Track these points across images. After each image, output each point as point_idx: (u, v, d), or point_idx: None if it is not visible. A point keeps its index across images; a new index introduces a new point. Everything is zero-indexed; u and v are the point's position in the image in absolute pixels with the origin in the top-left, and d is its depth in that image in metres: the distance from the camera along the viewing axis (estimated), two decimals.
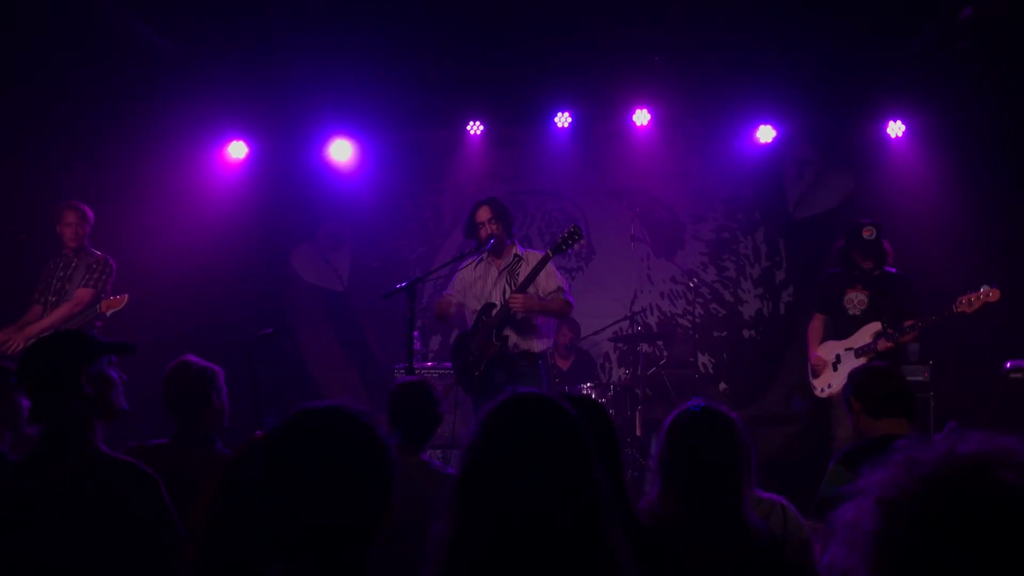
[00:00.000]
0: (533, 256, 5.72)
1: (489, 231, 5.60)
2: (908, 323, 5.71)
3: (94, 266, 6.09)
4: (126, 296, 6.06)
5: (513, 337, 5.52)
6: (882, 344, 5.71)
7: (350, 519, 1.57)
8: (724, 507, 2.43)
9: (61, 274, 6.08)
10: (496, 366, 5.47)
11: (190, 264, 7.59)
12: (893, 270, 6.03)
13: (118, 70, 7.21)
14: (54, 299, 6.02)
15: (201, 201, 8.10)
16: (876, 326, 5.88)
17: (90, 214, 6.20)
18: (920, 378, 6.26)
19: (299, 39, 7.09)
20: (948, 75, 7.33)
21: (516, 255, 5.73)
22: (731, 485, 2.46)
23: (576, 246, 5.42)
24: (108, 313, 6.04)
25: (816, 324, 6.18)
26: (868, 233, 5.96)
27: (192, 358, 3.68)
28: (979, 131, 7.58)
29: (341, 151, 8.28)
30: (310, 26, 6.88)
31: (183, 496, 2.73)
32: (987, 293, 5.49)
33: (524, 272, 5.59)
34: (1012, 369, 4.99)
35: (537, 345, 5.62)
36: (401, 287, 5.24)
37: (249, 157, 8.28)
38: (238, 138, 8.19)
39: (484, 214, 5.66)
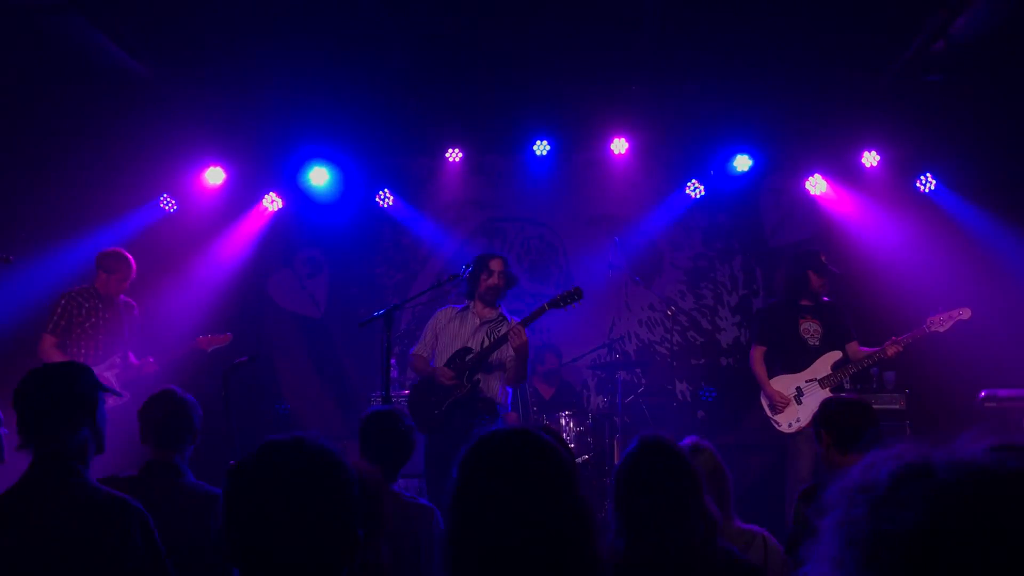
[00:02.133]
0: (514, 323, 5.70)
1: (495, 283, 5.61)
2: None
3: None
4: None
5: (482, 382, 5.51)
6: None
7: (313, 553, 1.54)
8: (682, 540, 2.38)
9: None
10: (460, 404, 5.44)
11: (166, 290, 7.52)
12: (828, 299, 6.08)
13: (93, 94, 7.17)
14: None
15: (177, 227, 8.04)
16: (836, 355, 5.89)
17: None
18: (896, 406, 6.28)
19: (277, 65, 7.08)
20: (921, 106, 7.44)
21: (501, 315, 5.71)
22: (685, 517, 2.41)
23: (574, 306, 5.43)
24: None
25: (760, 356, 6.13)
26: (820, 260, 6.02)
27: (176, 389, 3.64)
28: (953, 163, 7.69)
29: (319, 177, 8.26)
30: (289, 52, 6.88)
31: (159, 528, 2.69)
32: (959, 312, 5.53)
33: (504, 329, 5.54)
34: (986, 398, 5.03)
35: (500, 395, 5.61)
36: (379, 315, 5.21)
37: (226, 183, 8.24)
38: (215, 164, 8.16)
39: (498, 265, 5.68)
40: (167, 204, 8.08)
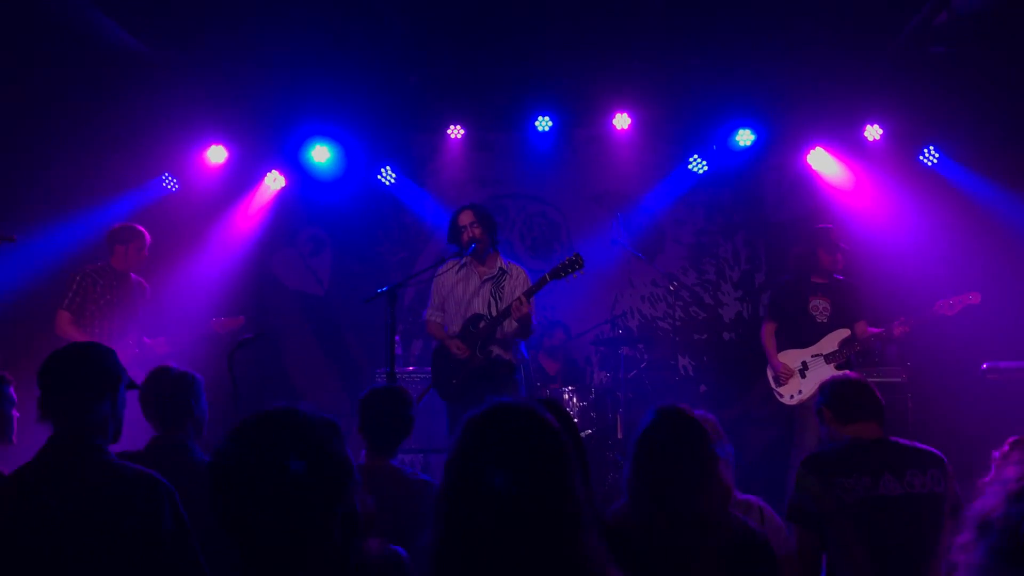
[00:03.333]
0: (517, 270, 5.71)
1: (471, 235, 5.58)
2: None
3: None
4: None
5: (496, 349, 5.53)
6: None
7: (294, 525, 1.56)
8: (700, 507, 2.44)
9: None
10: (475, 375, 5.47)
11: (169, 269, 7.54)
12: (841, 277, 6.09)
13: (94, 73, 7.16)
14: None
15: (180, 205, 8.05)
16: (844, 332, 5.93)
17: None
18: (898, 379, 6.31)
19: (279, 42, 7.06)
20: (924, 79, 7.40)
21: (501, 268, 5.70)
22: (703, 485, 2.47)
23: (575, 275, 5.38)
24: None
25: (771, 331, 6.19)
26: (835, 235, 6.04)
27: (172, 364, 3.66)
28: (957, 136, 7.66)
29: (321, 155, 8.25)
30: (290, 29, 6.86)
31: None
32: (969, 296, 5.56)
33: (509, 287, 5.58)
34: (988, 370, 5.05)
35: (516, 356, 5.63)
36: (382, 292, 5.23)
37: (229, 161, 8.24)
38: (217, 142, 8.15)
39: (467, 218, 5.65)
40: (169, 183, 8.09)
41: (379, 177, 8.44)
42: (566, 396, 7.05)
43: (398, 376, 6.24)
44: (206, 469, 1.62)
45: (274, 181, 8.37)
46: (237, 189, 8.32)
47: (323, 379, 8.54)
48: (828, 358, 5.91)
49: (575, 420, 6.73)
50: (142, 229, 6.20)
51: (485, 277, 5.67)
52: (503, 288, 5.61)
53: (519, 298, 5.33)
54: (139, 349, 6.06)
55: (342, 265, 8.76)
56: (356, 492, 1.67)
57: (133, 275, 6.21)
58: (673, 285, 7.27)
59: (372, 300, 5.34)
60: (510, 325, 5.49)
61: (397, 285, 5.27)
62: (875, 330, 5.92)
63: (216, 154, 8.17)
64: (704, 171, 8.37)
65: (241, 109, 7.97)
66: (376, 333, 7.81)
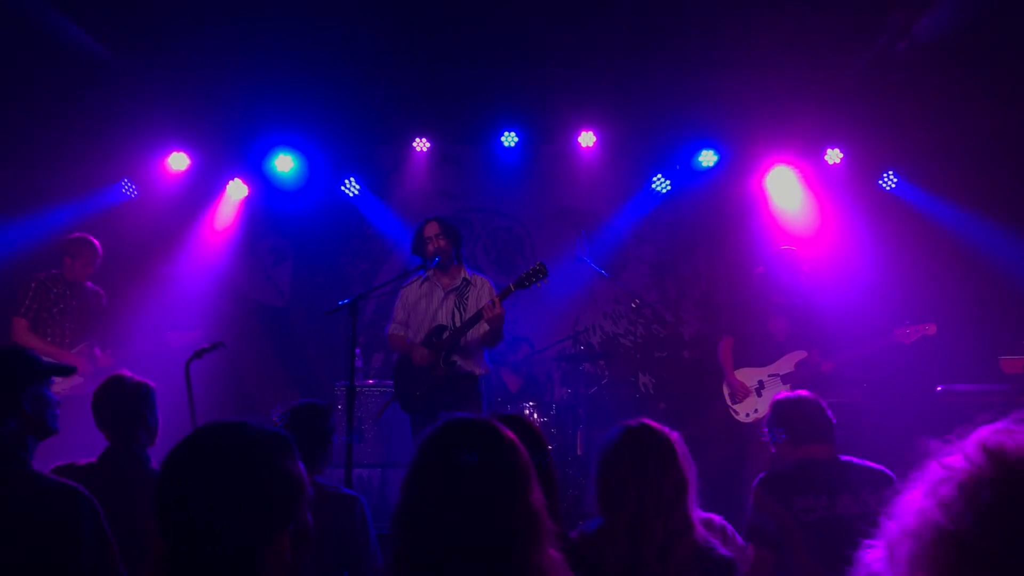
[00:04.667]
0: (482, 281, 5.70)
1: (436, 247, 5.57)
2: (847, 351, 5.85)
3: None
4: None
5: (459, 360, 5.50)
6: (827, 366, 5.79)
7: (241, 541, 1.53)
8: (673, 526, 2.44)
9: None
10: (439, 386, 5.44)
11: (128, 277, 7.42)
12: (801, 300, 6.17)
13: (54, 76, 7.05)
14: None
15: (139, 212, 7.94)
16: (801, 354, 5.99)
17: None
18: (855, 400, 6.39)
19: (243, 50, 7.00)
20: (884, 105, 7.54)
21: (465, 278, 5.69)
22: (672, 493, 2.47)
23: (540, 284, 5.38)
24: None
25: (728, 347, 6.24)
26: (795, 258, 6.12)
27: (127, 373, 3.60)
28: (916, 161, 7.81)
29: (284, 164, 8.19)
30: (254, 37, 6.81)
31: (115, 516, 2.66)
32: (926, 327, 5.66)
33: (474, 298, 5.57)
34: (942, 393, 5.13)
35: (479, 368, 5.61)
36: (343, 304, 5.19)
37: (191, 169, 8.14)
38: (179, 149, 8.05)
39: (432, 229, 5.63)
40: (128, 189, 7.97)
41: (343, 188, 8.40)
42: (527, 411, 7.04)
43: (358, 389, 6.19)
44: (158, 477, 1.59)
45: (237, 190, 8.29)
46: (199, 197, 8.22)
47: (282, 391, 8.43)
48: (785, 378, 5.97)
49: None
50: (93, 241, 6.11)
51: (449, 288, 5.65)
52: (467, 299, 5.59)
53: (493, 300, 5.31)
54: (89, 359, 5.97)
55: (304, 276, 8.69)
56: (307, 508, 1.65)
57: (89, 284, 6.12)
58: (635, 303, 7.31)
59: (334, 312, 5.29)
60: (474, 335, 5.48)
61: (359, 297, 5.23)
62: (820, 358, 5.96)
63: (178, 161, 8.07)
64: (668, 190, 8.45)
65: (204, 116, 7.89)
66: (337, 345, 7.75)
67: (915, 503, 1.12)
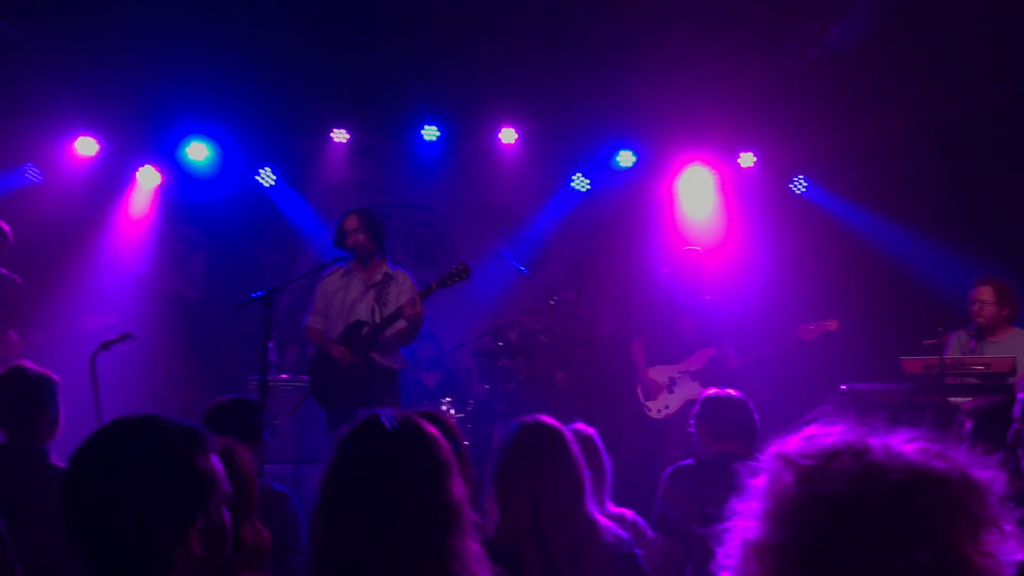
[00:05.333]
0: (403, 277, 5.66)
1: (356, 240, 5.52)
2: (753, 348, 6.01)
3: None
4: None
5: (377, 356, 5.46)
6: (735, 362, 5.94)
7: (149, 539, 1.49)
8: (566, 514, 2.45)
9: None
10: (357, 382, 5.39)
11: (31, 264, 7.13)
12: (709, 298, 6.33)
13: None
14: None
15: (44, 198, 7.64)
16: (710, 351, 6.14)
17: None
18: (763, 398, 6.55)
19: (157, 35, 6.80)
20: (796, 110, 7.76)
21: (386, 273, 5.64)
22: (569, 492, 2.48)
23: (462, 284, 5.39)
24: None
25: (640, 347, 6.36)
26: (701, 258, 6.27)
27: (27, 364, 3.47)
28: (826, 166, 8.06)
29: (198, 152, 7.98)
30: (169, 22, 6.61)
31: (12, 513, 2.56)
32: (827, 323, 5.86)
33: (394, 293, 5.52)
34: (847, 391, 5.31)
35: (397, 363, 5.58)
36: (257, 296, 5.09)
37: (100, 154, 7.87)
38: (87, 134, 7.77)
39: (352, 223, 5.58)
40: (32, 174, 7.66)
41: (258, 178, 8.23)
42: (444, 407, 7.02)
43: (272, 384, 6.08)
44: (61, 477, 1.54)
45: (148, 178, 8.04)
46: (108, 184, 7.95)
47: (193, 385, 8.21)
48: (695, 375, 6.10)
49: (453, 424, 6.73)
50: (2, 226, 5.87)
51: (369, 283, 5.60)
52: (387, 294, 5.55)
53: (413, 297, 5.29)
54: (3, 345, 5.78)
55: (217, 268, 8.47)
56: (225, 505, 1.60)
57: (2, 270, 5.89)
58: (553, 300, 7.35)
59: (246, 305, 5.19)
60: (393, 330, 5.44)
61: (273, 290, 5.14)
62: (732, 353, 6.12)
63: (86, 146, 7.79)
64: (587, 189, 8.53)
65: (114, 101, 7.62)
66: (250, 339, 7.57)
67: (737, 518, 1.16)
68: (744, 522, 1.15)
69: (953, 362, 4.91)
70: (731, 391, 3.67)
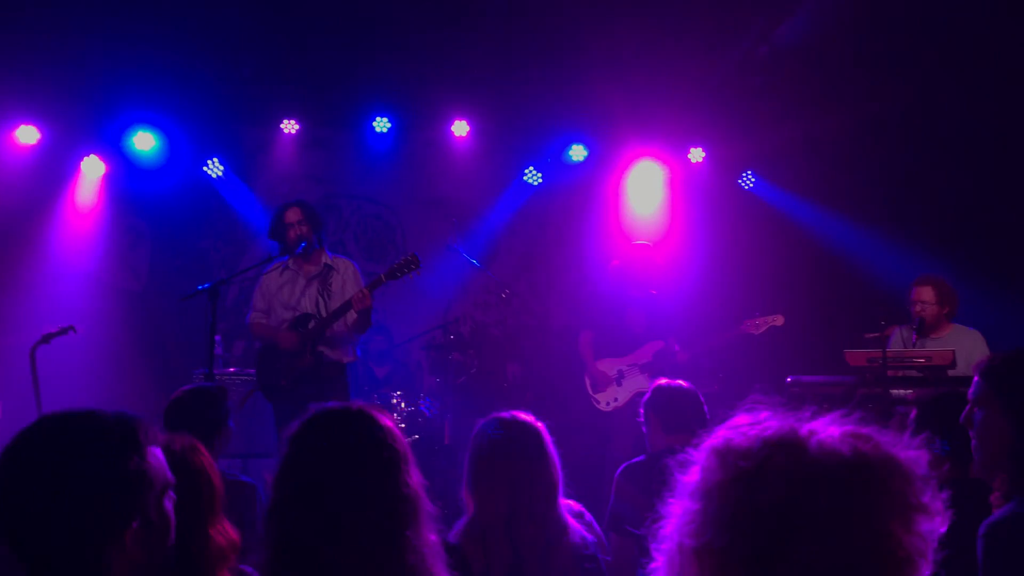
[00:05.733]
0: (344, 264, 5.62)
1: (299, 233, 5.46)
2: (701, 342, 6.08)
3: None
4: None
5: (325, 350, 5.41)
6: (682, 356, 6.01)
7: (76, 538, 1.45)
8: (540, 514, 2.47)
9: None
10: (304, 376, 5.34)
11: None
12: (656, 291, 6.39)
13: None
14: None
15: None
16: (658, 344, 6.21)
17: None
18: (711, 390, 6.64)
19: (101, 20, 6.64)
20: (745, 107, 7.86)
21: (327, 264, 5.59)
22: (544, 491, 2.50)
23: (412, 275, 5.35)
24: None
25: (587, 340, 6.40)
26: (650, 252, 6.32)
27: None
28: (774, 161, 8.18)
29: (144, 142, 7.82)
30: (112, 6, 6.47)
31: None
32: (774, 318, 5.94)
33: (338, 283, 5.48)
34: (792, 384, 5.39)
35: (347, 356, 5.54)
36: (203, 288, 5.03)
37: (41, 143, 7.67)
38: (28, 122, 7.57)
39: (294, 215, 5.52)
40: None
41: (205, 169, 8.09)
42: (394, 400, 6.98)
43: (218, 377, 6.00)
44: None
45: (92, 167, 7.87)
46: (51, 173, 7.75)
47: (137, 379, 8.06)
48: (643, 368, 6.16)
49: (402, 425, 6.71)
50: None
51: (311, 275, 5.55)
52: (331, 285, 5.50)
53: (362, 290, 5.25)
54: None
55: (162, 260, 8.31)
56: (164, 500, 1.57)
57: None
58: (505, 293, 7.36)
59: (192, 297, 5.11)
60: (341, 324, 5.40)
61: (220, 282, 5.08)
62: (679, 347, 6.18)
63: (26, 135, 7.59)
64: (539, 183, 8.54)
65: (57, 89, 7.42)
66: (196, 332, 7.45)
67: (673, 517, 1.18)
68: (680, 523, 1.16)
69: (895, 355, 5.01)
70: (682, 382, 3.68)
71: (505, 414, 2.67)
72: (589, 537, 2.64)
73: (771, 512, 1.04)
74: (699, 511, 1.12)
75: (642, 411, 3.60)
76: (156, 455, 1.56)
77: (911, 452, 1.08)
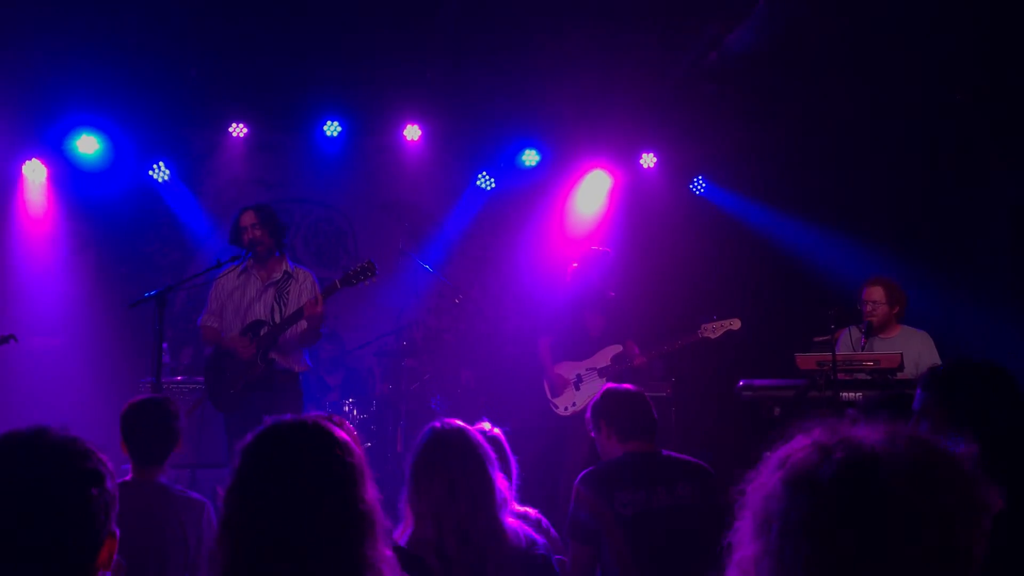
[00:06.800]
0: (304, 275, 5.53)
1: (253, 236, 5.36)
2: (657, 346, 6.10)
3: None
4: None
5: (277, 357, 5.32)
6: (638, 360, 6.04)
7: (43, 557, 1.40)
8: (478, 522, 2.44)
9: None
10: (255, 384, 5.24)
11: None
12: (613, 294, 6.42)
13: None
14: None
15: None
16: (616, 348, 6.23)
17: None
18: (664, 394, 6.68)
19: (43, 21, 6.47)
20: (696, 114, 7.93)
21: (287, 272, 5.50)
22: (480, 499, 2.47)
23: (367, 283, 5.27)
24: None
25: (546, 344, 6.40)
26: (607, 257, 6.35)
27: None
28: (724, 166, 8.27)
29: (88, 145, 7.64)
30: (55, 7, 6.30)
31: None
32: (730, 322, 5.98)
33: (295, 292, 5.40)
34: (743, 387, 5.43)
35: (298, 365, 5.45)
36: (150, 295, 4.91)
37: None
38: None
39: (249, 219, 5.42)
40: None
41: (151, 173, 7.93)
42: (346, 408, 6.91)
43: (165, 386, 5.87)
44: None
45: (33, 171, 7.67)
46: None
47: (82, 389, 7.85)
48: (601, 372, 6.17)
49: (355, 432, 6.63)
50: None
51: (268, 282, 5.45)
52: (288, 294, 5.41)
53: (315, 296, 5.17)
54: None
55: (107, 266, 8.12)
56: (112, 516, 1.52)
57: None
58: (458, 298, 7.33)
59: (138, 304, 4.99)
60: (294, 331, 5.31)
61: (167, 289, 4.96)
62: (636, 351, 6.20)
63: None
64: (492, 188, 8.53)
65: None
66: (142, 340, 7.29)
67: (761, 511, 1.16)
68: (753, 546, 1.15)
69: (844, 358, 5.07)
70: (629, 386, 3.66)
71: (437, 422, 2.65)
72: (539, 539, 2.62)
73: (849, 528, 1.05)
74: (784, 534, 1.11)
75: (590, 417, 3.56)
76: (108, 464, 1.52)
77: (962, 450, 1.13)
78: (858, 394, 4.97)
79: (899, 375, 4.96)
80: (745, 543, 1.15)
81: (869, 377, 5.05)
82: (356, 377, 7.85)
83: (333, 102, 7.99)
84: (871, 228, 7.64)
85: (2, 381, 6.88)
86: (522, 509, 3.31)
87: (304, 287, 5.45)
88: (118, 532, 1.50)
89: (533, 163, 8.43)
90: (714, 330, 6.01)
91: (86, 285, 8.09)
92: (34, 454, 1.44)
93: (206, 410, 5.70)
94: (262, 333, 5.29)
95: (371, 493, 1.65)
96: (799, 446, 1.15)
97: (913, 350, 5.21)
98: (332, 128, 8.10)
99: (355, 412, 6.92)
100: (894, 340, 5.39)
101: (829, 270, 7.67)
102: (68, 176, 7.78)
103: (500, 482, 2.58)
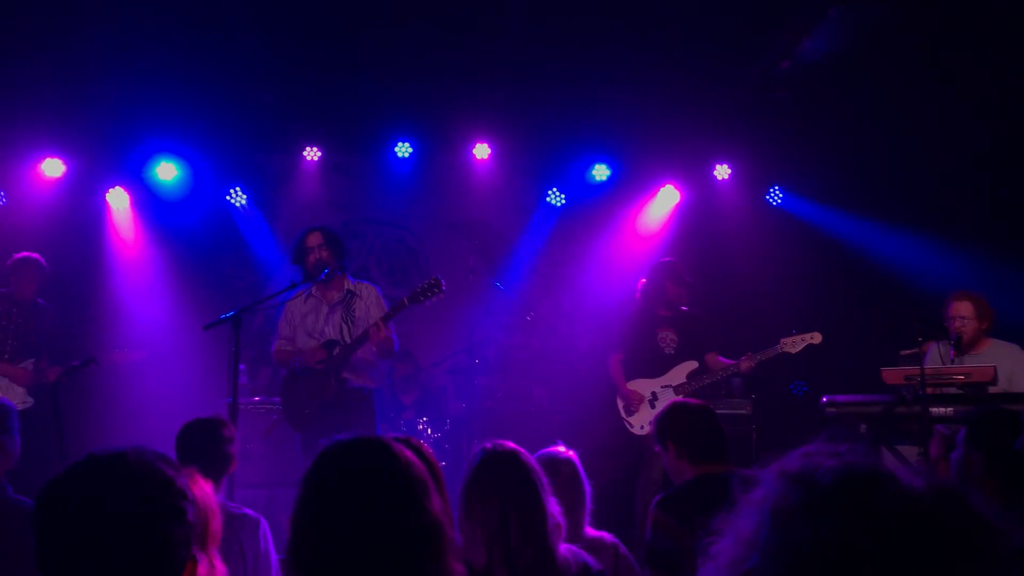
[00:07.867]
0: (366, 289, 5.57)
1: (319, 257, 5.42)
2: (745, 356, 5.91)
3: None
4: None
5: (350, 376, 5.35)
6: (746, 363, 5.85)
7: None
8: (528, 552, 2.35)
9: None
10: (329, 403, 5.28)
11: None
12: (686, 309, 6.26)
13: None
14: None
15: (9, 221, 7.47)
16: (692, 364, 6.07)
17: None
18: (743, 411, 6.49)
19: (123, 53, 6.67)
20: (769, 122, 7.76)
21: (349, 290, 5.55)
22: (531, 528, 2.38)
23: (435, 299, 5.28)
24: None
25: (618, 361, 6.26)
26: (676, 269, 6.20)
27: None
28: (801, 176, 8.07)
29: (167, 172, 7.84)
30: (135, 40, 6.49)
31: None
32: (811, 336, 5.79)
33: (361, 308, 5.44)
34: (827, 403, 5.25)
35: (371, 382, 5.47)
36: (227, 317, 4.98)
37: (67, 175, 7.72)
38: (53, 155, 7.62)
39: (314, 240, 5.49)
40: None
41: (228, 198, 8.11)
42: (420, 427, 6.91)
43: (243, 407, 5.96)
44: (28, 514, 1.44)
45: (117, 199, 7.91)
46: (76, 205, 7.80)
47: (161, 410, 8.02)
48: (677, 389, 6.03)
49: (430, 451, 6.62)
50: (35, 258, 6.12)
51: (333, 302, 5.50)
52: (354, 311, 5.46)
53: (376, 323, 5.19)
54: (36, 374, 5.89)
55: (185, 289, 8.31)
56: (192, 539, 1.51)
57: (40, 300, 6.16)
58: (530, 316, 7.28)
59: (215, 326, 5.07)
60: (366, 350, 5.34)
61: (242, 310, 5.02)
62: (726, 362, 6.07)
63: (52, 167, 7.65)
64: (562, 204, 8.48)
65: (81, 121, 7.49)
66: (222, 361, 7.42)
67: (728, 540, 1.09)
68: (735, 547, 1.12)
69: (933, 372, 4.87)
70: (696, 401, 3.51)
71: (488, 443, 2.59)
72: (594, 565, 2.52)
73: (835, 547, 0.97)
74: (756, 537, 1.07)
75: (655, 433, 3.40)
76: (188, 487, 1.52)
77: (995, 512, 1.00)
78: (949, 409, 4.76)
79: (992, 389, 4.74)
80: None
81: (960, 391, 4.83)
82: (430, 396, 7.85)
83: (403, 123, 8.06)
84: (954, 234, 7.35)
85: (91, 396, 7.08)
86: (597, 534, 3.20)
87: (369, 301, 5.49)
88: (199, 557, 1.50)
89: (603, 178, 8.35)
90: (794, 344, 5.83)
91: (167, 308, 8.29)
92: (114, 488, 1.43)
93: (283, 429, 5.75)
94: (335, 353, 5.33)
95: (436, 506, 1.61)
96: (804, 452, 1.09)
97: (1006, 364, 4.98)
98: (403, 149, 8.17)
99: (429, 431, 6.91)
100: (984, 355, 5.16)
101: (911, 279, 7.40)
102: (149, 202, 8.00)
103: (552, 507, 2.49)
